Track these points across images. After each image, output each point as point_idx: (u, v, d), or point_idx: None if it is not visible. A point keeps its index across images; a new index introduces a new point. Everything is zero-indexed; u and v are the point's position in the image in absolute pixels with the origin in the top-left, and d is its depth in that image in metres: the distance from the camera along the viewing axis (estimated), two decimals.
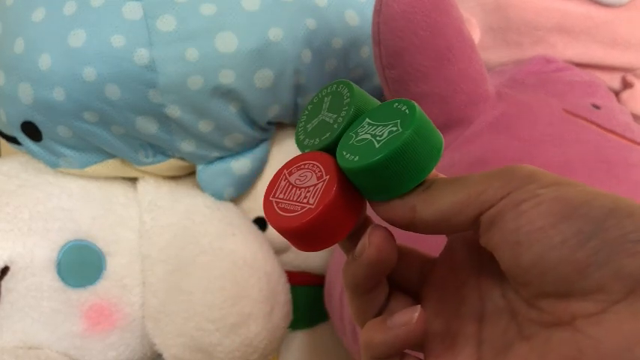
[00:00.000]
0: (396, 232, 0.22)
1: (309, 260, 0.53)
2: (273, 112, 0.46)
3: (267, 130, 0.49)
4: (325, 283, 0.50)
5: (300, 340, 0.55)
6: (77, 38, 0.41)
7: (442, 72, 0.39)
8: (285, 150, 0.52)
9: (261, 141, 0.50)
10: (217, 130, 0.46)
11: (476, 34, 0.53)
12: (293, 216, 0.22)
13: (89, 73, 0.41)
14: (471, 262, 0.23)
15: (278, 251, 0.51)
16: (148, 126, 0.44)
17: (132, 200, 0.50)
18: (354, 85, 0.24)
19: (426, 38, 0.38)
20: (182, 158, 0.49)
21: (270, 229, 0.50)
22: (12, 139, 0.48)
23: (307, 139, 0.24)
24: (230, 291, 0.44)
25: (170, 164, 0.49)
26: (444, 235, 0.24)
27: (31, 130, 0.45)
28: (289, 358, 0.55)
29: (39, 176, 0.48)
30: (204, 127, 0.45)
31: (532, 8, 0.53)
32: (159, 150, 0.48)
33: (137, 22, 0.41)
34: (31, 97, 0.43)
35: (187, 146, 0.47)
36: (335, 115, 0.24)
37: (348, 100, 0.23)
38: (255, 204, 0.52)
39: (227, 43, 0.42)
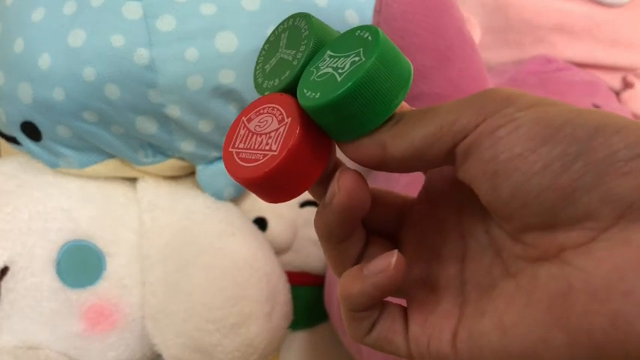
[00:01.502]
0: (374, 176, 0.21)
1: (309, 260, 0.53)
2: None
3: None
4: (325, 283, 0.50)
5: (300, 340, 0.55)
6: (77, 38, 0.41)
7: (442, 72, 0.39)
8: None
9: None
10: (217, 130, 0.45)
11: (476, 34, 0.53)
12: (255, 165, 0.20)
13: (89, 72, 0.41)
14: (451, 200, 0.21)
15: (278, 251, 0.51)
16: (147, 126, 0.44)
17: (131, 200, 0.50)
18: (313, 17, 0.22)
19: (426, 38, 0.38)
20: (182, 158, 0.49)
21: (271, 229, 0.50)
22: (12, 139, 0.47)
23: (266, 82, 0.22)
24: (230, 291, 0.44)
25: (170, 164, 0.49)
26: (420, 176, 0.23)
27: (31, 130, 0.45)
28: (289, 358, 0.55)
29: (38, 176, 0.48)
30: (204, 127, 0.45)
31: (532, 8, 0.53)
32: (159, 150, 0.48)
33: (137, 21, 0.41)
34: (30, 97, 0.43)
35: (187, 146, 0.46)
36: (294, 52, 0.21)
37: (307, 32, 0.21)
38: (255, 204, 0.52)
39: (227, 43, 0.42)
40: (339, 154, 0.22)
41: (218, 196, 0.50)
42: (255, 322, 0.45)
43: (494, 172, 0.17)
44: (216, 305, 0.44)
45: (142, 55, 0.41)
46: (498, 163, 0.17)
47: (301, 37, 0.22)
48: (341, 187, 0.20)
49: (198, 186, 0.50)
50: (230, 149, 0.21)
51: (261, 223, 0.51)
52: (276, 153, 0.20)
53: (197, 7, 0.42)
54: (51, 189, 0.48)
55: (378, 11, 0.39)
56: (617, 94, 0.55)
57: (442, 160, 0.19)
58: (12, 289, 0.45)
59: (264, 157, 0.20)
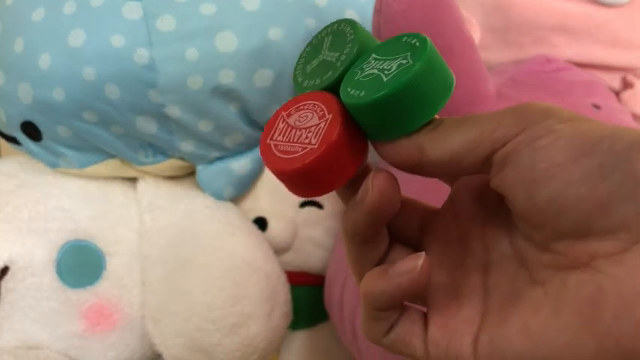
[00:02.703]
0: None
1: (309, 260, 0.53)
2: (273, 111, 0.46)
3: None
4: (325, 283, 0.50)
5: (300, 340, 0.55)
6: (77, 38, 0.41)
7: None
8: None
9: None
10: (217, 130, 0.45)
11: (476, 34, 0.53)
12: (294, 157, 0.20)
13: (89, 72, 0.41)
14: (475, 212, 0.22)
15: (278, 251, 0.51)
16: (147, 126, 0.44)
17: (131, 200, 0.50)
18: (358, 23, 0.22)
19: None
20: (182, 158, 0.49)
21: (271, 229, 0.50)
22: (12, 139, 0.47)
23: (307, 81, 0.22)
24: (230, 291, 0.44)
25: (170, 164, 0.49)
26: (439, 189, 0.24)
27: (31, 130, 0.45)
28: (289, 358, 0.55)
29: (38, 176, 0.48)
30: (204, 127, 0.45)
31: (532, 8, 0.53)
32: (159, 150, 0.48)
33: (137, 21, 0.41)
34: (30, 97, 0.43)
35: (187, 146, 0.46)
36: (337, 54, 0.22)
37: (352, 37, 0.22)
38: (255, 204, 0.52)
39: (227, 42, 0.42)
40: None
41: (218, 196, 0.50)
42: (255, 322, 0.45)
43: (532, 180, 0.18)
44: (216, 305, 0.44)
45: (142, 55, 0.41)
46: (537, 172, 0.17)
47: (346, 41, 0.22)
48: (375, 185, 0.20)
49: (198, 186, 0.50)
50: (268, 141, 0.21)
51: (261, 223, 0.51)
52: (315, 146, 0.20)
53: (197, 7, 0.42)
54: (51, 189, 0.48)
55: (378, 11, 0.39)
56: (617, 94, 0.55)
57: (478, 167, 0.19)
58: (12, 289, 0.45)
59: (303, 149, 0.20)
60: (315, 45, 0.23)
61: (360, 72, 0.21)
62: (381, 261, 0.23)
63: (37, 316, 0.45)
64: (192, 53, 0.41)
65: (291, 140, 0.21)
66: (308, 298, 0.53)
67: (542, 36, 0.53)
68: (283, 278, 0.49)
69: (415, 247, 0.23)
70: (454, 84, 0.20)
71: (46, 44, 0.42)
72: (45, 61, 0.41)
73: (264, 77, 0.43)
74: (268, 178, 0.51)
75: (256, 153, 0.49)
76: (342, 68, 0.21)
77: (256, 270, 0.46)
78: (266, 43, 0.43)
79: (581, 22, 0.53)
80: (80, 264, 0.46)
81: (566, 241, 0.18)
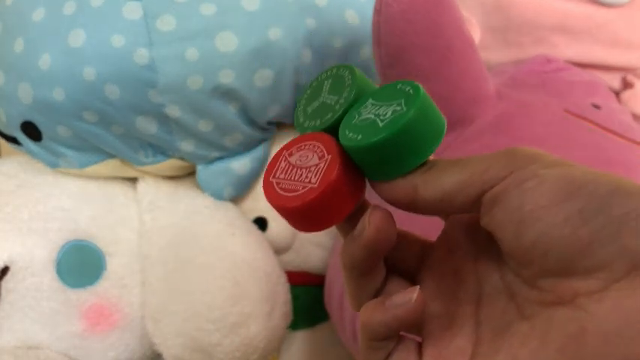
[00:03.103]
0: (394, 216, 0.22)
1: (309, 260, 0.53)
2: (273, 111, 0.46)
3: (267, 130, 0.49)
4: (325, 283, 0.50)
5: (300, 340, 0.55)
6: (77, 38, 0.41)
7: (442, 72, 0.39)
8: None
9: (261, 141, 0.50)
10: (217, 129, 0.45)
11: (476, 34, 0.53)
12: (295, 195, 0.21)
13: (89, 72, 0.41)
14: (468, 246, 0.23)
15: (278, 251, 0.51)
16: (147, 126, 0.44)
17: (132, 200, 0.50)
18: (356, 69, 0.24)
19: (426, 38, 0.38)
20: (182, 158, 0.49)
21: (271, 229, 0.50)
22: (12, 139, 0.48)
23: (307, 121, 0.24)
24: (230, 291, 0.44)
25: (170, 164, 0.49)
26: (441, 222, 0.25)
27: (31, 130, 0.45)
28: (289, 358, 0.55)
29: (38, 176, 0.48)
30: (204, 126, 0.45)
31: (532, 8, 0.53)
32: (159, 150, 0.48)
33: (137, 21, 0.41)
34: (30, 97, 0.43)
35: (187, 146, 0.46)
36: (337, 97, 0.23)
37: (350, 82, 0.23)
38: (255, 204, 0.52)
39: (227, 42, 0.42)
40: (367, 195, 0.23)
41: (218, 196, 0.50)
42: (255, 322, 0.45)
43: (519, 221, 0.19)
44: (216, 305, 0.44)
45: (142, 55, 0.41)
46: (523, 213, 0.19)
47: (344, 85, 0.24)
48: (372, 221, 0.21)
49: (198, 186, 0.50)
50: (271, 179, 0.23)
51: (261, 223, 0.51)
52: (315, 185, 0.21)
53: (197, 7, 0.42)
54: (51, 189, 0.48)
55: (378, 11, 0.39)
56: (617, 94, 0.55)
57: (469, 207, 0.21)
58: (12, 289, 0.45)
59: (303, 188, 0.21)
60: (315, 87, 0.25)
61: (357, 116, 0.22)
62: (378, 292, 0.24)
63: (37, 316, 0.45)
64: (192, 53, 0.41)
65: (292, 178, 0.22)
66: (308, 298, 0.53)
67: (542, 36, 0.53)
68: (283, 278, 0.49)
69: (411, 279, 0.25)
70: (446, 127, 0.22)
71: (46, 44, 0.42)
72: (45, 61, 0.41)
73: (264, 77, 0.43)
74: None
75: (256, 153, 0.49)
76: (340, 111, 0.23)
77: (256, 270, 0.46)
78: (266, 43, 0.43)
79: (581, 22, 0.53)
80: (80, 264, 0.46)
81: (552, 278, 0.19)
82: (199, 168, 0.49)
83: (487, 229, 0.21)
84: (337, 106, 0.23)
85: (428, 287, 0.24)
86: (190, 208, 0.49)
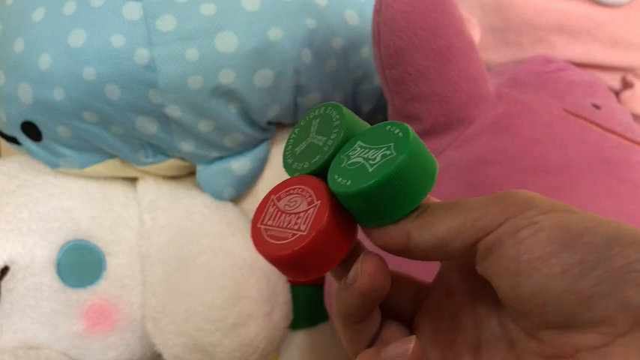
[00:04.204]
0: (389, 257, 0.22)
1: None
2: (273, 112, 0.46)
3: (267, 130, 0.49)
4: (325, 283, 0.50)
5: (300, 340, 0.55)
6: (77, 38, 0.41)
7: (442, 72, 0.39)
8: None
9: (261, 141, 0.50)
10: (217, 130, 0.45)
11: (476, 34, 0.53)
12: (284, 243, 0.21)
13: (89, 72, 0.41)
14: (465, 289, 0.22)
15: None
16: (147, 126, 0.44)
17: (132, 200, 0.50)
18: (344, 108, 0.23)
19: (426, 38, 0.38)
20: (182, 158, 0.49)
21: None
22: (12, 139, 0.48)
23: (296, 163, 0.23)
24: (230, 291, 0.44)
25: (170, 164, 0.49)
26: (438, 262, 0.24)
27: (31, 130, 0.45)
28: (289, 358, 0.55)
29: (39, 176, 0.48)
30: (204, 127, 0.45)
31: (532, 8, 0.53)
32: (159, 150, 0.48)
33: (137, 22, 0.41)
34: (30, 97, 0.43)
35: (187, 146, 0.47)
36: (325, 138, 0.23)
37: (338, 122, 0.23)
38: (255, 204, 0.52)
39: (227, 43, 0.42)
40: (360, 234, 0.23)
41: (218, 196, 0.50)
42: (255, 322, 0.45)
43: (515, 271, 0.18)
44: (216, 305, 0.44)
45: (142, 55, 0.41)
46: (520, 263, 0.18)
47: (332, 126, 0.23)
48: (364, 270, 0.21)
49: (198, 186, 0.50)
50: (259, 225, 0.22)
51: None
52: (305, 233, 0.20)
53: (197, 7, 0.42)
54: (51, 189, 0.48)
55: (378, 11, 0.39)
56: (617, 94, 0.55)
57: (463, 253, 0.20)
58: (12, 289, 0.45)
59: (292, 236, 0.21)
60: (303, 127, 0.24)
61: (346, 159, 0.21)
62: (374, 339, 0.23)
63: (37, 316, 0.45)
64: (192, 53, 0.41)
65: (281, 225, 0.21)
66: (308, 298, 0.53)
67: (542, 36, 0.53)
68: (283, 278, 0.49)
69: (408, 323, 0.24)
70: (437, 170, 0.21)
71: (46, 44, 0.42)
72: (45, 61, 0.41)
73: (264, 77, 0.43)
74: (268, 178, 0.51)
75: (256, 153, 0.49)
76: (329, 153, 0.22)
77: (256, 270, 0.46)
78: (266, 43, 0.43)
79: (581, 22, 0.53)
80: (80, 264, 0.46)
81: (551, 331, 0.18)
82: (199, 168, 0.49)
83: (484, 276, 0.20)
84: (326, 148, 0.22)
85: (424, 333, 0.23)
86: (190, 208, 0.49)
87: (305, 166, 0.23)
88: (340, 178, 0.21)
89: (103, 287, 0.47)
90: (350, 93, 0.51)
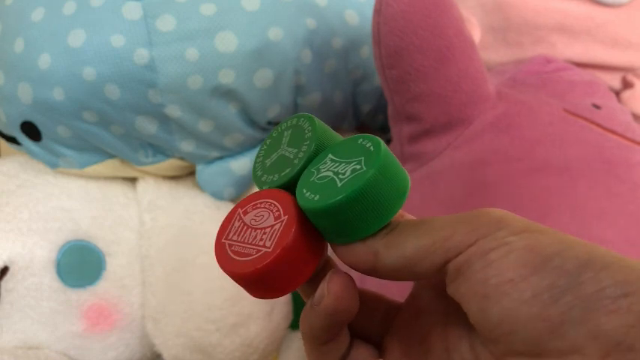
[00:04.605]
0: (359, 274, 0.21)
1: None
2: (273, 112, 0.46)
3: (267, 130, 0.49)
4: None
5: (300, 340, 0.55)
6: (77, 38, 0.41)
7: (442, 72, 0.39)
8: None
9: (261, 141, 0.50)
10: (217, 130, 0.45)
11: (476, 34, 0.53)
12: (247, 260, 0.20)
13: (89, 72, 0.41)
14: (437, 309, 0.22)
15: None
16: (147, 126, 0.44)
17: (132, 200, 0.50)
18: (316, 119, 0.22)
19: (426, 38, 0.38)
20: (182, 158, 0.49)
21: None
22: (12, 139, 0.47)
23: (265, 175, 0.22)
24: (230, 291, 0.44)
25: (170, 164, 0.49)
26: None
27: (31, 130, 0.45)
28: (289, 358, 0.55)
29: (39, 176, 0.48)
30: (204, 127, 0.45)
31: (532, 8, 0.53)
32: (159, 150, 0.48)
33: (137, 21, 0.41)
34: (30, 97, 0.43)
35: (187, 146, 0.46)
36: (295, 150, 0.22)
37: (310, 134, 0.22)
38: None
39: (227, 42, 0.42)
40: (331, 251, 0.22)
41: (218, 195, 0.50)
42: (255, 322, 0.45)
43: (484, 295, 0.17)
44: (216, 305, 0.44)
45: (141, 55, 0.41)
46: (488, 287, 0.17)
47: (304, 138, 0.22)
48: (330, 290, 0.20)
49: (198, 186, 0.50)
50: (223, 240, 0.21)
51: None
52: (269, 250, 0.19)
53: (197, 7, 0.42)
54: (51, 189, 0.48)
55: (377, 11, 0.39)
56: (617, 94, 0.55)
57: (432, 274, 0.19)
58: (12, 289, 0.45)
59: (257, 252, 0.20)
60: (275, 138, 0.24)
61: (316, 172, 0.20)
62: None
63: (37, 316, 0.45)
64: (192, 53, 0.41)
65: (245, 241, 0.20)
66: None
67: (542, 36, 0.53)
68: None
69: (377, 344, 0.23)
70: (409, 187, 0.20)
71: (45, 44, 0.42)
72: (45, 61, 0.41)
73: (264, 77, 0.43)
74: None
75: (256, 153, 0.49)
76: (299, 166, 0.21)
77: None
78: (266, 43, 0.43)
79: (581, 22, 0.53)
80: (80, 264, 0.46)
81: (521, 358, 0.17)
82: (199, 168, 0.49)
83: (454, 298, 0.19)
84: (296, 161, 0.22)
85: (394, 354, 0.22)
86: (190, 208, 0.49)
87: (274, 178, 0.22)
88: (309, 193, 0.20)
89: (103, 287, 0.47)
90: (350, 93, 0.51)
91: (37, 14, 0.42)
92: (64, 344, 0.46)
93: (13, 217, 0.46)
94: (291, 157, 0.22)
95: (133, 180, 0.51)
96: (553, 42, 0.53)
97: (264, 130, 0.49)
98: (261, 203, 0.21)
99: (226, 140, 0.47)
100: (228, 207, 0.50)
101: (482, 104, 0.41)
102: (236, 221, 0.21)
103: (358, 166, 0.19)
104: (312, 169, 0.21)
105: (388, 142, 0.48)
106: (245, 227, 0.21)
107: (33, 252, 0.45)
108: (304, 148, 0.22)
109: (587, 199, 0.37)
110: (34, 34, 0.42)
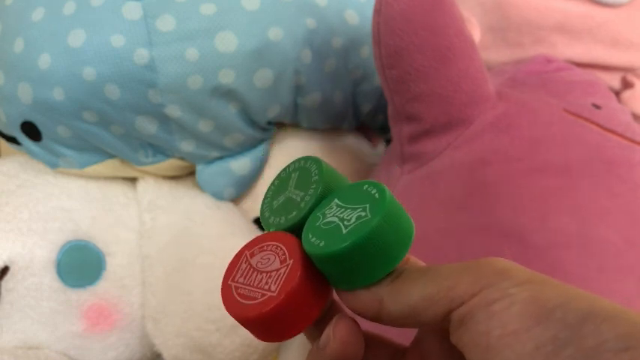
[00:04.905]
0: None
1: None
2: (273, 112, 0.46)
3: (267, 130, 0.49)
4: None
5: (300, 340, 0.55)
6: (77, 38, 0.41)
7: (442, 72, 0.39)
8: (285, 150, 0.52)
9: (261, 141, 0.50)
10: (217, 130, 0.45)
11: (476, 34, 0.53)
12: (252, 304, 0.20)
13: (89, 72, 0.41)
14: (441, 355, 0.22)
15: None
16: (147, 126, 0.44)
17: (132, 200, 0.50)
18: (323, 162, 0.23)
19: (426, 38, 0.38)
20: (182, 158, 0.49)
21: None
22: (12, 139, 0.47)
23: (273, 217, 0.23)
24: None
25: (170, 164, 0.49)
26: None
27: (31, 130, 0.45)
28: (289, 358, 0.55)
29: (39, 176, 0.48)
30: (204, 127, 0.45)
31: (532, 8, 0.53)
32: (159, 150, 0.48)
33: (137, 21, 0.41)
34: (30, 97, 0.43)
35: (187, 146, 0.46)
36: (302, 193, 0.22)
37: (317, 177, 0.22)
38: (255, 204, 0.52)
39: (227, 42, 0.42)
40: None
41: (218, 196, 0.50)
42: None
43: (486, 346, 0.17)
44: (216, 305, 0.44)
45: (141, 55, 0.41)
46: (491, 338, 0.17)
47: (311, 181, 0.22)
48: (336, 335, 0.20)
49: (198, 186, 0.50)
50: (229, 282, 0.21)
51: (260, 224, 0.51)
52: (274, 294, 0.20)
53: (197, 7, 0.42)
54: (51, 189, 0.48)
55: (377, 11, 0.39)
56: (617, 94, 0.55)
57: (437, 323, 0.19)
58: (12, 289, 0.45)
59: (262, 296, 0.20)
60: (283, 179, 0.24)
61: (322, 217, 0.21)
62: None
63: (37, 316, 0.45)
64: (192, 53, 0.41)
65: (251, 284, 0.21)
66: None
67: (542, 36, 0.53)
68: None
69: None
70: (414, 234, 0.20)
71: (45, 44, 0.42)
72: (45, 61, 0.41)
73: (264, 77, 0.43)
74: (268, 178, 0.51)
75: (256, 153, 0.49)
76: (305, 210, 0.22)
77: None
78: (266, 43, 0.43)
79: (581, 22, 0.53)
80: (80, 264, 0.46)
81: None
82: (199, 168, 0.49)
83: (457, 347, 0.19)
84: (302, 204, 0.22)
85: None
86: (190, 208, 0.49)
87: (281, 221, 0.22)
88: (314, 238, 0.20)
89: (103, 287, 0.47)
90: (350, 93, 0.51)
91: (37, 14, 0.42)
92: (64, 344, 0.46)
93: (13, 217, 0.46)
94: (298, 199, 0.22)
95: (133, 180, 0.51)
96: (553, 42, 0.53)
97: (264, 130, 0.49)
98: (267, 246, 0.22)
99: (226, 140, 0.47)
100: (229, 207, 0.50)
101: (483, 104, 0.41)
102: (243, 263, 0.22)
103: (363, 213, 0.19)
104: (318, 214, 0.21)
105: (388, 142, 0.48)
106: (251, 270, 0.21)
107: (33, 252, 0.45)
108: (311, 191, 0.22)
109: (587, 199, 0.37)
110: (34, 34, 0.42)
